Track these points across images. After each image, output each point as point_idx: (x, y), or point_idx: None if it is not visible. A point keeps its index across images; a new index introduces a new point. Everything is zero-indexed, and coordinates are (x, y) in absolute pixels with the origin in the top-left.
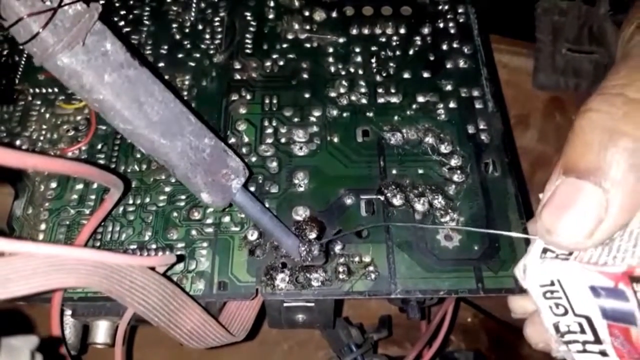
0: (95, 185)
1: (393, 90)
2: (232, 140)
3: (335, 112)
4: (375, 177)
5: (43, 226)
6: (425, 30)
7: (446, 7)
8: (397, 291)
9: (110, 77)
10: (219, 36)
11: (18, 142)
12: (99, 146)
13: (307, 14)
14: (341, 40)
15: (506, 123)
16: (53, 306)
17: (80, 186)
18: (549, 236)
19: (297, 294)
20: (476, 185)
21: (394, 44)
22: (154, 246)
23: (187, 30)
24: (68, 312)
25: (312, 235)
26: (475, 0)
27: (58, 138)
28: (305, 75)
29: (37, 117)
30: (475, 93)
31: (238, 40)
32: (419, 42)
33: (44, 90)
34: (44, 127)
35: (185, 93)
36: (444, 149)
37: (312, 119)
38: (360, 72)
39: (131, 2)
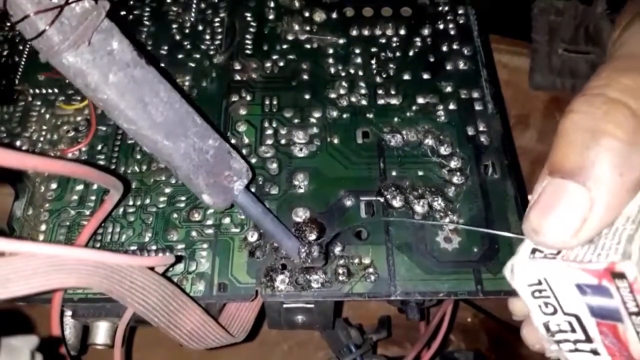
0: (95, 187)
1: (393, 92)
2: (232, 141)
3: (335, 114)
4: (375, 179)
5: (43, 227)
6: (425, 32)
7: (446, 9)
8: (397, 293)
9: (115, 77)
10: (219, 37)
11: (18, 143)
12: (99, 147)
13: (307, 14)
14: (341, 41)
15: (506, 125)
16: (53, 306)
17: (80, 187)
18: (536, 236)
19: (297, 296)
20: (476, 187)
21: (394, 45)
22: (154, 247)
23: (187, 31)
24: (68, 312)
25: (312, 237)
26: (475, 1)
27: (58, 139)
28: (305, 76)
29: (37, 118)
30: (475, 95)
31: (238, 41)
32: (419, 44)
33: (44, 91)
34: (44, 127)
35: (186, 94)
36: (444, 150)
37: (312, 120)
38: (360, 73)
39: (131, 3)
